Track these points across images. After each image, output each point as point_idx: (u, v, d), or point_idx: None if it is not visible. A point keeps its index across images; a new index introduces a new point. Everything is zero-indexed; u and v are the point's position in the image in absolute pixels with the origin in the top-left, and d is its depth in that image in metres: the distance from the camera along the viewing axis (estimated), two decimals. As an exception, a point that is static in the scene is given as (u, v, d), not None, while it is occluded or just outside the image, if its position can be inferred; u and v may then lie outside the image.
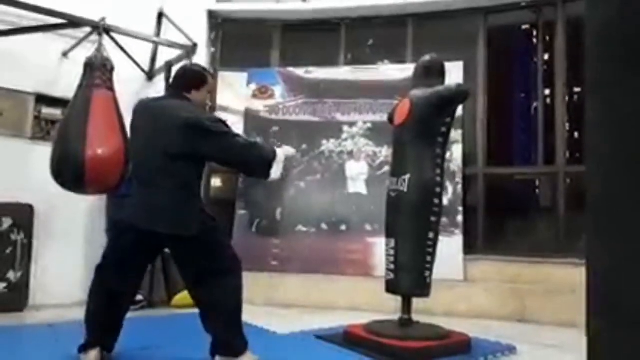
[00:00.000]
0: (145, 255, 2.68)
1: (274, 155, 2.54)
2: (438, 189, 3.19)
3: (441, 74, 3.36)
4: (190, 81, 2.68)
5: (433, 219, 3.17)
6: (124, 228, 2.53)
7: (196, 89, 2.67)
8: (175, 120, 2.46)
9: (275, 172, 2.54)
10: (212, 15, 5.65)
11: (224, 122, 2.61)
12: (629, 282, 1.01)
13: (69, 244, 4.39)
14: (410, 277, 3.15)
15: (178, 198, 2.48)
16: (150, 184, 2.49)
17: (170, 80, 2.87)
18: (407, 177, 3.18)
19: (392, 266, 3.21)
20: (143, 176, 2.53)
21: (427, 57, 3.44)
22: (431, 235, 3.16)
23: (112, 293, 2.54)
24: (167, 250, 2.72)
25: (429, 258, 3.15)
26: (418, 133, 3.21)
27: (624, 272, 1.02)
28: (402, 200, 3.20)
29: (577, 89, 5.01)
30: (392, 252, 3.21)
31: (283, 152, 2.61)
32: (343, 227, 5.00)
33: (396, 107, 3.48)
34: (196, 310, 2.59)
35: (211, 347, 2.58)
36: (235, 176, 5.34)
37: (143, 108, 2.71)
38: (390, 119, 3.55)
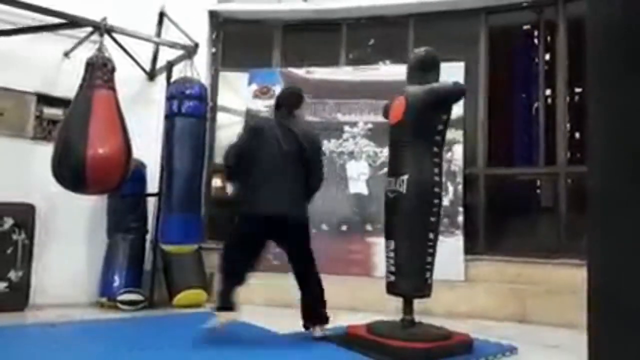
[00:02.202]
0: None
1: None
2: (437, 189, 3.15)
3: (436, 67, 3.31)
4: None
5: (433, 219, 3.13)
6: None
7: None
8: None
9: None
10: (213, 15, 5.65)
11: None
12: (630, 282, 1.01)
13: (70, 243, 4.40)
14: (411, 278, 3.12)
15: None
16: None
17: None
18: (405, 177, 3.13)
19: (392, 268, 3.17)
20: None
21: (422, 51, 3.37)
22: (431, 235, 3.12)
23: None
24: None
25: (429, 259, 3.12)
26: (415, 132, 3.16)
27: (625, 273, 1.02)
28: (401, 201, 3.15)
29: (578, 89, 4.99)
30: (392, 254, 3.17)
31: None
32: (344, 228, 5.00)
33: (391, 104, 3.43)
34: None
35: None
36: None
37: None
38: (386, 114, 3.50)
